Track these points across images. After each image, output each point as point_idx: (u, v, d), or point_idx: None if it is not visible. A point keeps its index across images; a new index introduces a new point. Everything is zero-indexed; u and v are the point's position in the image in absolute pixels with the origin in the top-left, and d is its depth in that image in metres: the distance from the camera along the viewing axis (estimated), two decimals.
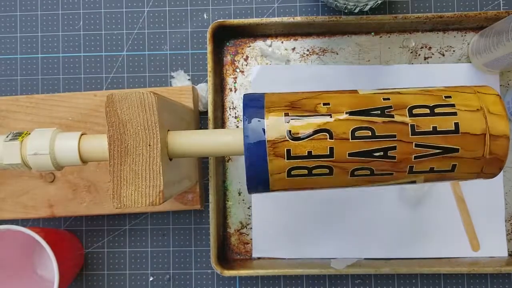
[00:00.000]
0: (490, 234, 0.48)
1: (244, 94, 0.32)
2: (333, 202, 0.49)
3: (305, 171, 0.29)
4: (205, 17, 0.51)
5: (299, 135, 0.29)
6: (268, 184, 0.30)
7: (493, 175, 0.31)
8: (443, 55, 0.49)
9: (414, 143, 0.29)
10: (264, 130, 0.29)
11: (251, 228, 0.49)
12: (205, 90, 0.50)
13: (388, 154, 0.29)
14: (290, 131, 0.29)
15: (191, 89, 0.47)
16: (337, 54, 0.50)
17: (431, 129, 0.29)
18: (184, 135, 0.33)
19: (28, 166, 0.34)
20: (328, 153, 0.28)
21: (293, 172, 0.29)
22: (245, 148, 0.29)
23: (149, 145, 0.30)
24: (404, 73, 0.49)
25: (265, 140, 0.29)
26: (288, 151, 0.29)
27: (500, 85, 0.49)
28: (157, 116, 0.31)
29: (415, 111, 0.29)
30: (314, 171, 0.29)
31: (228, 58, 0.50)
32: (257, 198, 0.49)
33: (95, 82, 0.51)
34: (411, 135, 0.29)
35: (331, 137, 0.28)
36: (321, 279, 0.49)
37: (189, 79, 0.51)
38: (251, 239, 0.49)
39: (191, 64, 0.51)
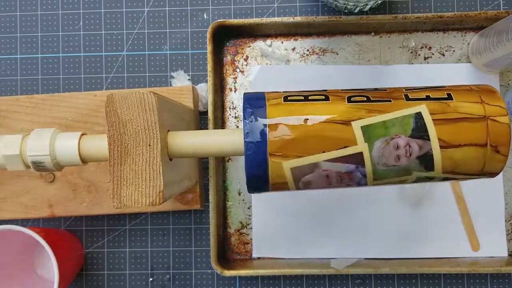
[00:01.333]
0: (490, 234, 0.48)
1: (244, 93, 0.32)
2: (333, 202, 0.49)
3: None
4: (205, 17, 0.51)
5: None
6: (268, 184, 0.31)
7: (494, 174, 0.32)
8: (443, 55, 0.50)
9: (404, 89, 0.32)
10: (265, 129, 0.29)
11: (251, 228, 0.49)
12: (205, 90, 0.49)
13: (379, 89, 0.31)
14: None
15: (191, 89, 0.47)
16: (337, 54, 0.50)
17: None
18: (184, 135, 0.33)
19: (27, 166, 0.35)
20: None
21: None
22: (245, 147, 0.29)
23: (149, 145, 0.30)
24: (404, 73, 0.49)
25: (266, 139, 0.29)
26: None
27: (500, 85, 0.49)
28: (157, 116, 0.31)
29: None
30: (310, 97, 0.31)
31: (228, 58, 0.50)
32: (257, 198, 0.49)
33: (95, 82, 0.51)
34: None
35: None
36: (321, 279, 0.49)
37: (189, 79, 0.51)
38: (251, 239, 0.49)
39: (191, 64, 0.51)
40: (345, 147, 0.29)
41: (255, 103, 0.31)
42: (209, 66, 0.47)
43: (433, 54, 0.50)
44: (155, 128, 0.31)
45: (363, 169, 0.30)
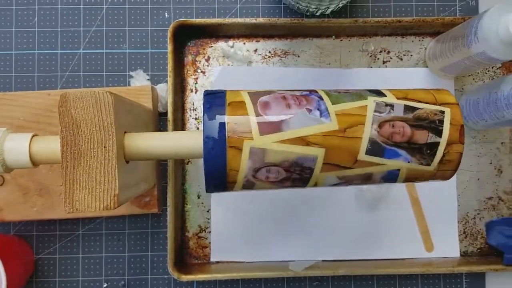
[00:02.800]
0: (443, 235, 0.49)
1: (205, 90, 0.32)
2: (291, 204, 0.49)
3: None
4: (166, 15, 0.50)
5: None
6: (226, 183, 0.31)
7: (447, 177, 0.33)
8: (401, 59, 0.51)
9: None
10: (224, 127, 0.29)
11: (209, 231, 0.49)
12: (165, 90, 0.49)
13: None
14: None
15: (150, 89, 0.46)
16: (298, 56, 0.50)
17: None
18: (142, 137, 0.33)
19: None
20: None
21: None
22: (204, 143, 0.29)
23: (104, 147, 0.30)
24: (363, 76, 0.50)
25: (225, 136, 0.29)
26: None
27: (455, 90, 0.50)
28: (114, 116, 0.31)
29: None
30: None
31: (189, 58, 0.49)
32: (216, 201, 0.49)
33: (49, 81, 0.50)
34: None
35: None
36: (280, 282, 0.49)
37: (148, 79, 0.50)
38: (209, 242, 0.49)
39: (151, 64, 0.50)
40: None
41: (215, 100, 0.31)
42: (170, 66, 0.46)
43: (391, 58, 0.50)
44: (111, 129, 0.30)
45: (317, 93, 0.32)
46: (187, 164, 0.50)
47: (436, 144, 0.31)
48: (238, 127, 0.30)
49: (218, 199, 0.49)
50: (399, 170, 0.32)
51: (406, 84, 0.50)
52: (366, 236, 0.48)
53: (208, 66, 0.50)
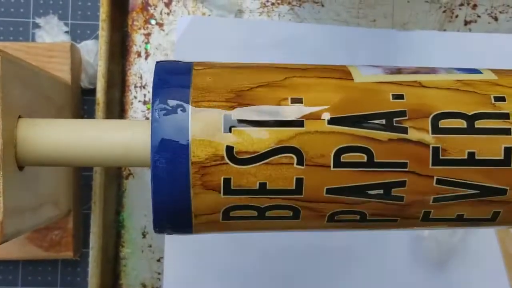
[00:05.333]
0: None
1: (157, 62, 0.26)
2: (303, 259, 0.39)
3: (254, 213, 0.25)
4: None
5: (247, 156, 0.24)
6: (191, 225, 0.25)
7: None
8: (496, 19, 0.40)
9: (435, 177, 0.24)
10: (187, 132, 0.23)
11: None
12: (94, 52, 0.40)
13: (392, 194, 0.25)
14: (232, 148, 0.24)
15: (69, 49, 0.38)
16: (322, 6, 0.40)
17: (466, 157, 0.24)
18: (49, 127, 0.28)
19: None
20: (294, 187, 0.24)
21: (232, 214, 0.25)
22: (152, 157, 0.23)
23: None
24: (432, 45, 0.40)
25: (188, 154, 0.23)
26: (227, 181, 0.24)
27: None
28: (0, 90, 0.26)
29: (443, 124, 0.24)
30: (268, 213, 0.25)
31: (137, 1, 0.40)
32: (173, 243, 0.39)
33: None
34: (433, 164, 0.24)
35: (300, 162, 0.24)
36: None
37: (66, 31, 0.40)
38: None
39: (72, 7, 0.40)
40: None
41: (174, 80, 0.25)
42: (103, 11, 0.37)
43: (479, 16, 0.40)
44: None
45: None
46: (126, 178, 0.40)
47: None
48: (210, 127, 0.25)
49: (176, 241, 0.39)
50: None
51: (504, 62, 0.34)
52: None
53: (168, 14, 0.40)
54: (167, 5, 0.38)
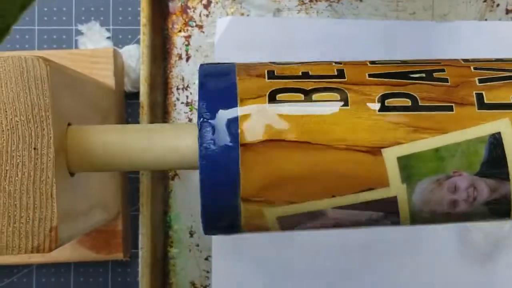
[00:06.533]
0: None
1: (200, 65, 0.27)
2: (345, 254, 0.40)
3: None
4: None
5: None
6: (239, 222, 0.25)
7: None
8: None
9: (472, 67, 0.25)
10: (236, 128, 0.23)
11: None
12: (136, 56, 0.40)
13: (435, 76, 0.25)
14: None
15: (112, 54, 0.39)
16: (360, 1, 0.40)
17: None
18: (97, 134, 0.28)
19: None
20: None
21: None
22: (200, 158, 0.24)
23: (35, 148, 0.26)
24: (472, 36, 0.40)
25: (237, 146, 0.23)
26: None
27: None
28: (50, 99, 0.26)
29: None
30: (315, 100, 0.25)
31: (176, 4, 0.40)
32: (222, 244, 0.40)
33: None
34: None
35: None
36: None
37: (108, 37, 0.41)
38: None
39: (113, 12, 0.40)
40: (369, 189, 0.24)
41: (218, 82, 0.26)
42: (143, 16, 0.37)
43: None
44: (46, 120, 0.26)
45: (395, 218, 0.25)
46: (172, 179, 0.40)
47: None
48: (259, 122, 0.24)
49: (223, 239, 0.40)
50: None
51: None
52: None
53: (207, 16, 0.40)
54: (206, 6, 0.39)
